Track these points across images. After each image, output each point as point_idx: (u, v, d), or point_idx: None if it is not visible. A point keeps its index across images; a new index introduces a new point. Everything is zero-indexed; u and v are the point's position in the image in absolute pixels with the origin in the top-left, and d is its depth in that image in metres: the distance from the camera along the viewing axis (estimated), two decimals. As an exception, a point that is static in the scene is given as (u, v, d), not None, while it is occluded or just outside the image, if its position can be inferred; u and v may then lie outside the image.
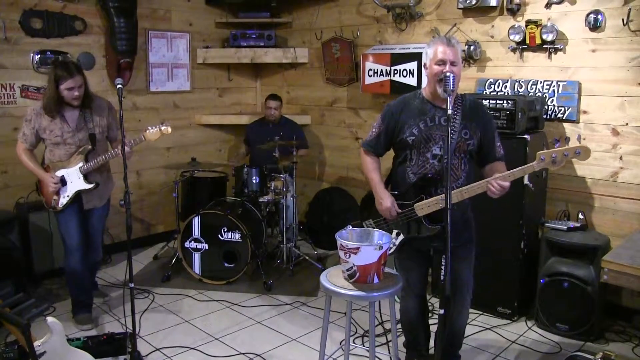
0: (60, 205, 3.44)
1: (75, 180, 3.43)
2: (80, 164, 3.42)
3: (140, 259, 4.80)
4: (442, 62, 2.53)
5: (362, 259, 2.42)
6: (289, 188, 4.59)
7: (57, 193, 3.42)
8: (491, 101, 3.52)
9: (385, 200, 2.68)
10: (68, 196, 3.44)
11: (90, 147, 3.43)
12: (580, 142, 2.38)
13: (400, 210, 2.68)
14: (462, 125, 2.61)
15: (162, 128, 3.41)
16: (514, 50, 3.88)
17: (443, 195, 2.54)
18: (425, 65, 2.66)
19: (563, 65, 3.68)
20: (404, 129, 2.66)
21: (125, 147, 3.14)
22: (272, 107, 4.97)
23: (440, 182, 2.60)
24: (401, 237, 2.71)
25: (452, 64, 2.52)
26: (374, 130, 2.79)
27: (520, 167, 2.45)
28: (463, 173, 2.64)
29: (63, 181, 3.42)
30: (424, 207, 2.61)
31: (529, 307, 3.67)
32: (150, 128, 3.41)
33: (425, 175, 2.63)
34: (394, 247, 2.71)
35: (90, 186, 3.45)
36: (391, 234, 2.71)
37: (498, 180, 2.45)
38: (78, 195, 3.47)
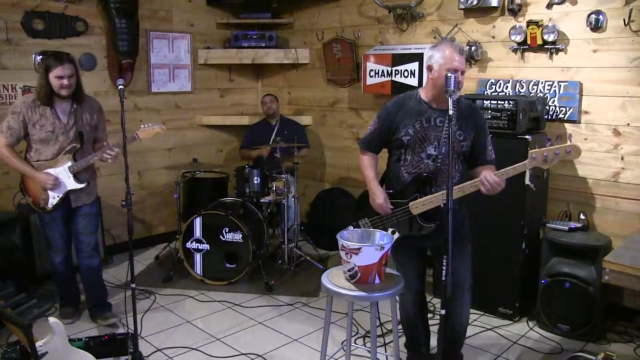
0: (49, 206, 3.34)
1: (65, 179, 3.32)
2: (69, 163, 3.30)
3: (141, 259, 4.81)
4: (454, 71, 2.50)
5: (363, 259, 2.42)
6: (291, 188, 4.59)
7: (46, 193, 3.32)
8: (492, 101, 3.52)
9: (379, 197, 2.71)
10: (58, 196, 3.33)
11: (78, 146, 3.33)
12: (570, 141, 2.45)
13: (393, 208, 2.70)
14: (457, 126, 2.63)
15: (157, 127, 3.40)
16: (515, 50, 3.88)
17: (437, 193, 2.59)
18: (430, 67, 2.63)
19: (564, 66, 3.68)
20: (400, 129, 2.69)
21: (115, 149, 3.23)
22: (267, 102, 5.05)
23: (435, 181, 2.65)
24: (396, 235, 2.72)
25: (462, 73, 2.56)
26: (370, 128, 2.84)
27: (512, 166, 2.49)
28: (457, 173, 2.67)
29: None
30: (419, 205, 2.64)
31: (531, 307, 3.66)
32: (143, 126, 3.37)
33: (420, 174, 2.66)
34: None
35: (82, 185, 3.36)
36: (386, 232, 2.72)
37: (493, 176, 2.47)
38: (65, 194, 3.36)
